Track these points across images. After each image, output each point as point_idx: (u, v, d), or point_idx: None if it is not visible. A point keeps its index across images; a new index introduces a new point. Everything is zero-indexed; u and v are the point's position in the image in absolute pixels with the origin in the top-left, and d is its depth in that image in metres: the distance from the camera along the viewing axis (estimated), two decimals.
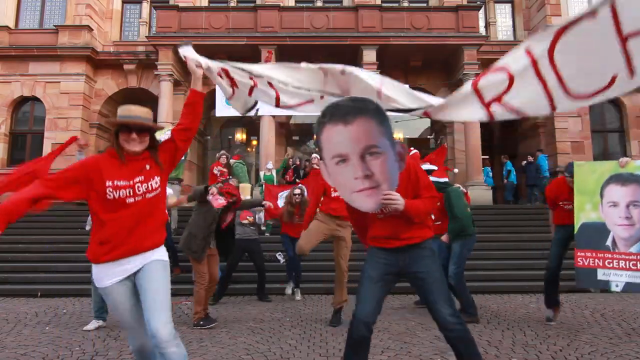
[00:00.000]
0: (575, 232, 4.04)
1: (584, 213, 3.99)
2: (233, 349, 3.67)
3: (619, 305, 5.63)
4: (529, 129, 13.85)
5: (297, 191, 6.02)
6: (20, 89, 12.38)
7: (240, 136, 15.17)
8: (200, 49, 10.87)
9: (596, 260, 3.87)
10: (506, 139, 15.68)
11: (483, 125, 12.81)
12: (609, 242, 3.83)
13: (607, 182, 3.91)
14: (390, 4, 13.31)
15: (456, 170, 11.21)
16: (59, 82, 12.42)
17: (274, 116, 12.03)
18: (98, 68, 13.07)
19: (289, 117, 13.75)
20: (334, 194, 4.52)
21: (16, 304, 5.99)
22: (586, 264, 3.92)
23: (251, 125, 14.07)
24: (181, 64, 12.68)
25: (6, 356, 3.58)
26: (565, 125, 12.57)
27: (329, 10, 12.68)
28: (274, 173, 9.48)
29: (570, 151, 12.44)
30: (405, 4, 13.62)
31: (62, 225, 9.49)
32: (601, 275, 3.86)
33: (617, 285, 3.81)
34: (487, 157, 14.94)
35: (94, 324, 4.37)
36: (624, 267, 3.73)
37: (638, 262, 3.68)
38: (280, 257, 7.37)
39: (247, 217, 6.06)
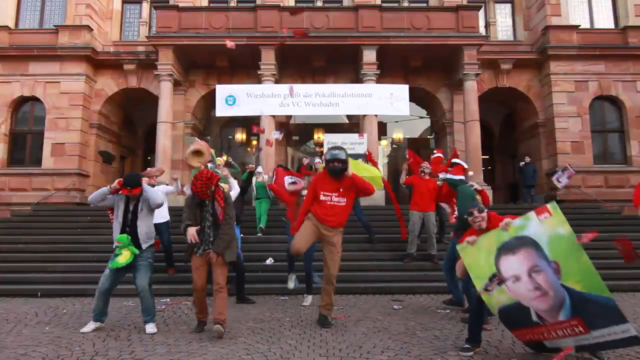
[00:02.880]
0: (499, 319, 3.59)
1: (493, 299, 3.41)
2: (233, 349, 3.67)
3: (619, 305, 5.62)
4: (529, 129, 13.85)
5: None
6: (20, 89, 12.37)
7: (240, 136, 15.17)
8: (200, 49, 11.05)
9: (535, 335, 3.37)
10: (506, 139, 15.69)
11: (483, 125, 12.82)
12: (534, 318, 3.28)
13: (498, 256, 3.36)
14: (390, 4, 13.30)
15: (471, 173, 11.18)
16: (59, 82, 12.42)
17: (274, 116, 12.03)
18: (98, 68, 13.07)
19: (289, 117, 13.76)
20: (322, 197, 4.38)
21: (16, 304, 5.99)
22: (528, 338, 3.47)
23: (251, 125, 14.07)
24: (181, 63, 12.69)
25: (6, 356, 3.58)
26: (565, 125, 12.57)
27: (329, 10, 12.67)
28: (265, 178, 8.85)
29: (570, 151, 12.44)
30: (405, 4, 13.62)
31: (62, 225, 9.49)
32: (549, 344, 3.37)
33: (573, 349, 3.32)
34: (487, 157, 14.97)
35: (91, 326, 4.37)
36: (565, 334, 3.21)
37: (574, 327, 3.15)
38: (269, 261, 7.38)
39: None
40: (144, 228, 4.38)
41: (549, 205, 3.19)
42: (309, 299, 5.75)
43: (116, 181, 4.34)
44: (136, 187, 4.28)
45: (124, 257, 4.26)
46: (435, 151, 8.09)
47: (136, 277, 4.36)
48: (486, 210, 3.78)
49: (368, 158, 9.16)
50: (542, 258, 3.19)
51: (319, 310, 4.59)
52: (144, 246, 4.36)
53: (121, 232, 4.33)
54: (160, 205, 4.50)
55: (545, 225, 3.19)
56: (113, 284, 4.41)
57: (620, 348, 3.34)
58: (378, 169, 6.06)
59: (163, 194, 6.39)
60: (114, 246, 4.37)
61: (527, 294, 3.25)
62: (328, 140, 10.16)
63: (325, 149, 4.53)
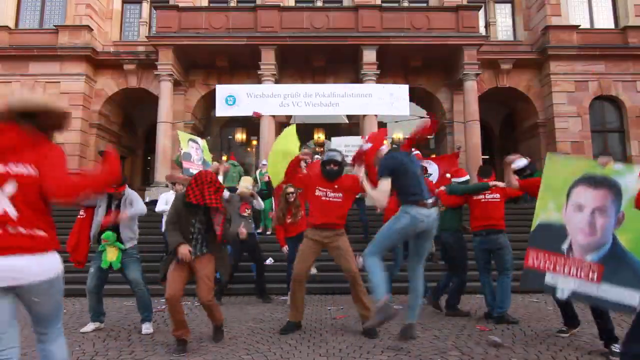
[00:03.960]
0: (531, 229, 3.70)
1: (544, 212, 3.58)
2: (233, 349, 3.67)
3: None
4: (529, 129, 13.85)
5: (290, 190, 5.61)
6: (20, 89, 12.37)
7: (240, 136, 15.17)
8: (200, 49, 11.08)
9: (548, 262, 3.51)
10: (506, 138, 15.70)
11: (483, 125, 12.82)
12: (564, 246, 3.46)
13: (578, 182, 3.47)
14: (390, 4, 13.31)
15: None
16: (59, 82, 12.42)
17: (274, 116, 12.03)
18: (98, 68, 13.07)
19: (289, 117, 13.75)
20: (317, 193, 4.15)
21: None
22: (536, 265, 3.57)
23: (251, 125, 14.08)
24: (181, 63, 12.69)
25: None
26: (565, 125, 12.57)
27: (329, 10, 12.68)
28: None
29: (571, 151, 12.43)
30: (405, 4, 13.62)
31: (62, 225, 9.46)
32: (549, 278, 3.50)
33: (562, 292, 3.46)
34: (487, 157, 14.96)
35: (90, 326, 4.36)
36: (575, 274, 3.38)
37: (590, 272, 3.33)
38: (269, 261, 7.38)
39: (246, 210, 5.98)
40: (126, 228, 4.33)
41: None
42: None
43: None
44: (121, 185, 4.29)
45: (112, 255, 4.24)
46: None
47: (127, 273, 4.34)
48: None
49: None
50: (614, 205, 3.32)
51: (360, 318, 4.24)
52: (127, 245, 4.33)
53: (103, 231, 4.28)
54: (142, 214, 4.45)
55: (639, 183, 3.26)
56: (100, 282, 4.38)
57: (609, 310, 3.46)
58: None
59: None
60: (92, 244, 4.36)
61: (579, 224, 3.42)
62: (333, 142, 10.19)
63: (329, 153, 4.32)
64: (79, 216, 4.51)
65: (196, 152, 9.27)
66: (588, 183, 3.43)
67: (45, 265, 1.95)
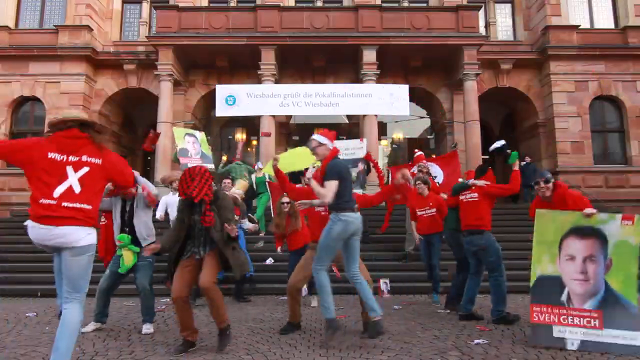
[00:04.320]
0: (531, 285, 3.88)
1: (540, 265, 3.83)
2: (233, 349, 3.67)
3: None
4: (529, 129, 13.85)
5: (285, 200, 5.50)
6: (20, 89, 12.38)
7: (240, 136, 15.16)
8: (200, 49, 11.12)
9: (552, 316, 3.71)
10: (506, 138, 15.64)
11: (483, 125, 12.82)
12: (563, 298, 3.70)
13: (567, 235, 3.76)
14: (390, 4, 13.31)
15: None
16: (59, 82, 12.42)
17: (274, 116, 12.03)
18: (98, 68, 13.07)
19: (289, 117, 13.76)
20: (317, 208, 4.18)
21: (16, 304, 5.99)
22: (542, 319, 3.74)
23: (251, 125, 14.08)
24: (181, 63, 12.69)
25: (6, 356, 3.58)
26: (565, 125, 12.57)
27: (329, 10, 12.68)
28: (266, 175, 8.58)
29: (570, 151, 12.44)
30: (405, 4, 13.62)
31: None
32: (557, 332, 3.67)
33: (572, 344, 3.60)
34: (487, 157, 14.95)
35: (91, 326, 4.37)
36: (579, 324, 3.61)
37: (592, 319, 3.58)
38: (269, 261, 7.37)
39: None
40: (142, 225, 4.35)
41: (636, 217, 3.67)
42: (315, 300, 5.67)
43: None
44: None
45: (128, 259, 4.27)
46: (416, 150, 8.03)
47: (137, 277, 4.37)
48: (552, 180, 4.17)
49: (367, 158, 9.10)
50: (602, 252, 3.66)
51: (363, 318, 4.20)
52: (143, 244, 4.32)
53: (120, 232, 4.33)
54: (156, 195, 4.36)
55: (623, 229, 3.67)
56: (113, 284, 4.41)
57: (621, 354, 3.49)
58: (379, 169, 5.99)
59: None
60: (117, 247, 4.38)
61: (573, 274, 3.70)
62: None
63: None
64: (101, 223, 4.57)
65: (193, 147, 9.21)
66: (576, 235, 3.74)
67: (83, 235, 2.63)
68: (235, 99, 11.44)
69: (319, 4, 13.87)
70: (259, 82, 12.09)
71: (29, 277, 7.11)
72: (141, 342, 3.97)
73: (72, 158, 2.64)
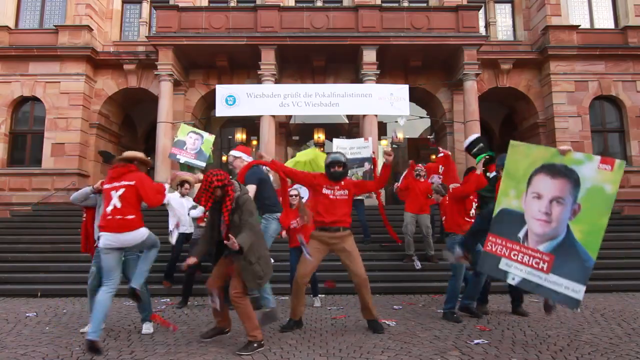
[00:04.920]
0: (493, 214, 3.75)
1: (506, 198, 3.67)
2: (233, 349, 3.67)
3: (619, 305, 5.64)
4: (529, 129, 13.85)
5: (294, 192, 5.46)
6: (20, 89, 12.37)
7: (240, 136, 15.17)
8: (200, 49, 11.17)
9: (504, 249, 3.63)
10: (506, 138, 15.65)
11: (483, 125, 12.82)
12: (521, 234, 3.55)
13: (538, 171, 3.52)
14: (390, 4, 13.29)
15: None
16: (59, 82, 12.41)
17: (274, 116, 12.03)
18: (98, 68, 13.06)
19: (289, 117, 13.76)
20: (325, 191, 4.19)
21: (16, 304, 6.00)
22: (493, 250, 3.68)
23: (251, 125, 14.08)
24: (181, 63, 12.69)
25: (6, 356, 3.58)
26: (565, 125, 12.57)
27: (329, 10, 12.66)
28: (270, 176, 8.73)
29: None
30: (405, 4, 13.61)
31: (62, 225, 9.49)
32: (503, 264, 3.62)
33: (513, 279, 3.57)
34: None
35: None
36: (527, 262, 3.50)
37: (541, 262, 3.43)
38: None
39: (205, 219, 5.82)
40: None
41: (617, 162, 3.29)
42: (318, 301, 5.70)
43: (99, 182, 4.34)
44: None
45: None
46: (439, 150, 8.12)
47: (127, 271, 4.32)
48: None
49: (374, 162, 9.09)
50: (572, 195, 3.39)
51: (364, 316, 4.35)
52: None
53: None
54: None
55: (599, 174, 3.30)
56: (101, 280, 4.38)
57: (555, 302, 3.58)
58: (376, 173, 6.07)
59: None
60: (96, 245, 4.36)
61: (536, 213, 3.51)
62: (337, 145, 9.97)
63: (332, 155, 4.36)
64: (83, 219, 4.58)
65: (194, 142, 9.30)
66: (547, 172, 3.49)
67: (134, 237, 3.77)
68: (235, 98, 11.44)
69: (319, 4, 13.87)
70: (259, 82, 12.08)
71: (29, 277, 7.11)
72: (141, 342, 3.97)
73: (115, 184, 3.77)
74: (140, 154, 4.08)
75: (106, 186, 3.79)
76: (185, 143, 9.26)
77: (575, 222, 3.33)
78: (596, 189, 3.29)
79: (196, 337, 4.06)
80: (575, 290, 3.29)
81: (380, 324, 4.28)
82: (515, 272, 3.56)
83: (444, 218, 6.15)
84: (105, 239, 3.70)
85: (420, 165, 7.64)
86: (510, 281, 3.60)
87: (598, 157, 3.37)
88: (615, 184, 3.26)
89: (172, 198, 6.21)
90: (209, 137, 9.54)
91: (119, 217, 3.65)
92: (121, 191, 3.69)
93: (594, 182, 3.31)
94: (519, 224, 3.57)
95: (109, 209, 3.67)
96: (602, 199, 3.28)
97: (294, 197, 5.48)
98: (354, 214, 5.56)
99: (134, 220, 3.74)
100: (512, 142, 3.79)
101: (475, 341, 3.86)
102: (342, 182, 4.28)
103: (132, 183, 3.72)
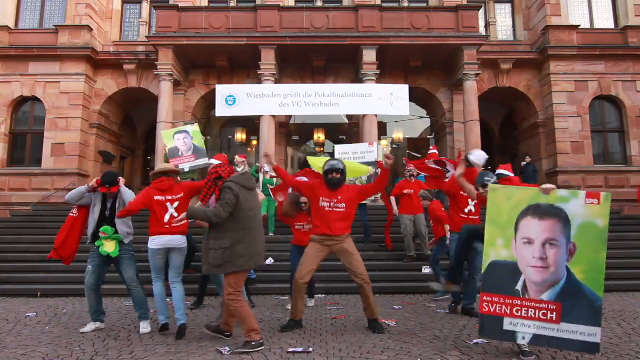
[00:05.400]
0: (482, 270, 3.45)
1: (494, 249, 3.36)
2: (233, 349, 3.67)
3: (619, 305, 5.64)
4: (529, 129, 13.85)
5: (304, 199, 5.29)
6: (20, 89, 12.37)
7: (240, 136, 15.17)
8: (200, 49, 11.19)
9: (504, 307, 3.29)
10: (506, 139, 15.69)
11: (483, 125, 12.82)
12: (519, 286, 3.26)
13: (524, 214, 3.29)
14: (390, 4, 13.30)
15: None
16: (59, 82, 12.41)
17: (274, 116, 12.03)
18: (98, 68, 13.06)
19: (289, 117, 13.76)
20: (322, 203, 4.25)
21: (16, 304, 6.00)
22: (492, 310, 3.32)
23: (251, 125, 14.08)
24: (181, 63, 12.69)
25: (6, 356, 3.58)
26: (565, 125, 12.57)
27: (329, 10, 12.67)
28: (274, 181, 8.40)
29: (570, 151, 12.43)
30: (405, 4, 13.62)
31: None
32: (507, 324, 3.28)
33: (523, 338, 3.25)
34: (487, 157, 14.93)
35: (91, 326, 4.37)
36: (533, 316, 3.20)
37: (549, 312, 3.17)
38: (269, 261, 7.36)
39: None
40: (123, 225, 4.40)
41: (603, 195, 3.18)
42: (312, 302, 5.72)
43: (94, 180, 4.42)
44: (114, 185, 4.37)
45: (110, 247, 4.29)
46: (431, 147, 8.08)
47: (121, 270, 4.41)
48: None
49: (380, 166, 9.03)
50: (564, 235, 3.21)
51: (367, 315, 4.40)
52: (125, 241, 4.42)
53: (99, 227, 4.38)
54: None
55: (587, 209, 3.18)
56: (98, 279, 4.41)
57: (573, 351, 3.33)
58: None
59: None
60: (88, 242, 4.42)
61: (531, 260, 3.26)
62: (339, 150, 9.81)
63: (330, 162, 4.42)
64: (71, 214, 4.55)
65: (184, 143, 8.90)
66: (534, 214, 3.28)
67: (184, 238, 4.33)
68: (235, 98, 11.44)
69: (319, 4, 13.87)
70: (259, 82, 12.09)
71: (29, 277, 7.11)
72: (141, 342, 3.97)
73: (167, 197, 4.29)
74: (173, 167, 4.98)
75: (158, 197, 4.23)
76: (178, 149, 8.83)
77: (574, 263, 3.18)
78: (588, 225, 3.18)
79: (196, 337, 4.06)
80: (592, 333, 3.12)
81: (380, 324, 4.31)
82: (524, 329, 3.25)
83: (432, 223, 6.40)
84: (161, 242, 4.20)
85: (411, 165, 7.61)
86: (520, 341, 3.27)
87: (583, 193, 3.28)
88: (606, 217, 3.16)
89: None
90: (194, 128, 9.05)
91: (175, 224, 4.21)
92: (176, 204, 4.25)
93: (584, 218, 3.19)
94: (513, 275, 3.29)
95: (167, 217, 4.20)
96: (596, 234, 3.17)
97: (304, 204, 5.36)
98: (356, 214, 5.59)
99: (184, 225, 4.32)
100: (491, 185, 3.59)
101: (475, 341, 3.86)
102: (340, 197, 4.29)
103: (182, 195, 4.30)
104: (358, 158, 9.01)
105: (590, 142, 12.54)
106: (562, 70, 12.72)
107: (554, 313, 3.18)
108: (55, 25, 12.76)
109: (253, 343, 3.61)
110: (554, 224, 3.23)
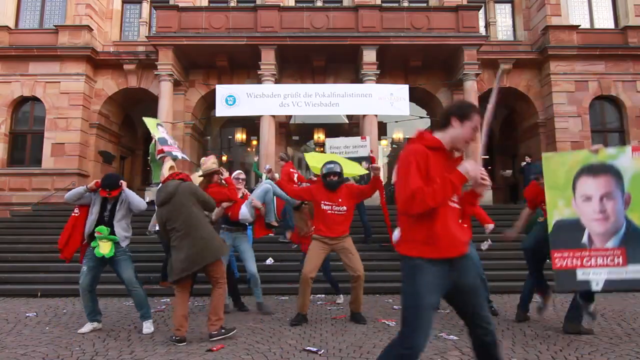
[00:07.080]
0: (549, 231, 3.73)
1: (557, 210, 3.68)
2: (233, 349, 3.67)
3: (619, 305, 5.63)
4: (529, 129, 13.85)
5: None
6: (20, 89, 12.37)
7: (240, 136, 15.18)
8: (200, 49, 11.16)
9: (574, 260, 3.59)
10: (507, 139, 15.69)
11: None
12: (585, 239, 3.57)
13: (579, 175, 3.61)
14: (390, 4, 13.30)
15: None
16: (59, 82, 12.42)
17: (274, 116, 12.03)
18: (98, 68, 13.07)
19: (289, 117, 13.76)
20: (323, 207, 4.49)
21: (16, 304, 5.99)
22: (564, 265, 3.62)
23: (251, 125, 14.08)
24: (181, 63, 12.69)
25: (6, 356, 3.58)
26: (565, 125, 12.58)
27: (329, 10, 12.67)
28: (276, 177, 8.61)
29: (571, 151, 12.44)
30: (405, 4, 13.62)
31: (62, 226, 9.45)
32: (580, 275, 3.57)
33: (597, 284, 3.53)
34: (487, 157, 14.95)
35: (88, 327, 4.36)
36: (602, 263, 3.51)
37: (615, 257, 3.48)
38: (269, 261, 7.35)
39: None
40: (121, 227, 4.36)
41: None
42: (341, 297, 5.95)
43: (93, 182, 4.39)
44: (115, 189, 4.32)
45: (105, 248, 4.25)
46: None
47: (120, 271, 4.36)
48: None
49: (372, 161, 9.03)
50: (619, 188, 3.52)
51: (351, 309, 4.74)
52: (122, 244, 4.37)
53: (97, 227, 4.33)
54: (143, 210, 4.49)
55: (636, 162, 3.50)
56: (93, 279, 4.38)
57: None
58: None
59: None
60: (84, 242, 4.40)
61: (591, 214, 3.56)
62: (330, 144, 9.99)
63: (327, 165, 4.62)
64: (73, 214, 4.54)
65: (168, 135, 8.86)
66: (588, 173, 3.59)
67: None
68: (235, 99, 11.44)
69: (319, 4, 13.87)
70: (259, 82, 12.09)
71: (29, 277, 7.11)
72: (141, 342, 3.97)
73: None
74: (216, 167, 4.94)
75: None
76: (166, 140, 8.72)
77: (631, 210, 3.48)
78: (638, 175, 3.49)
79: (196, 337, 4.06)
80: None
81: (362, 317, 4.65)
82: (596, 277, 3.54)
83: None
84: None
85: None
86: (595, 287, 3.54)
87: (629, 147, 3.58)
88: None
89: None
90: (150, 120, 8.77)
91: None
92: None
93: (634, 170, 3.50)
94: (578, 230, 3.61)
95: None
96: None
97: (305, 206, 5.65)
98: (356, 214, 5.64)
99: None
100: (544, 154, 3.89)
101: None
102: (340, 199, 4.52)
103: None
104: (350, 152, 8.98)
105: (591, 142, 12.53)
106: (562, 70, 12.73)
107: (620, 257, 3.49)
108: (55, 25, 12.77)
109: (223, 330, 3.89)
110: (607, 179, 3.54)
